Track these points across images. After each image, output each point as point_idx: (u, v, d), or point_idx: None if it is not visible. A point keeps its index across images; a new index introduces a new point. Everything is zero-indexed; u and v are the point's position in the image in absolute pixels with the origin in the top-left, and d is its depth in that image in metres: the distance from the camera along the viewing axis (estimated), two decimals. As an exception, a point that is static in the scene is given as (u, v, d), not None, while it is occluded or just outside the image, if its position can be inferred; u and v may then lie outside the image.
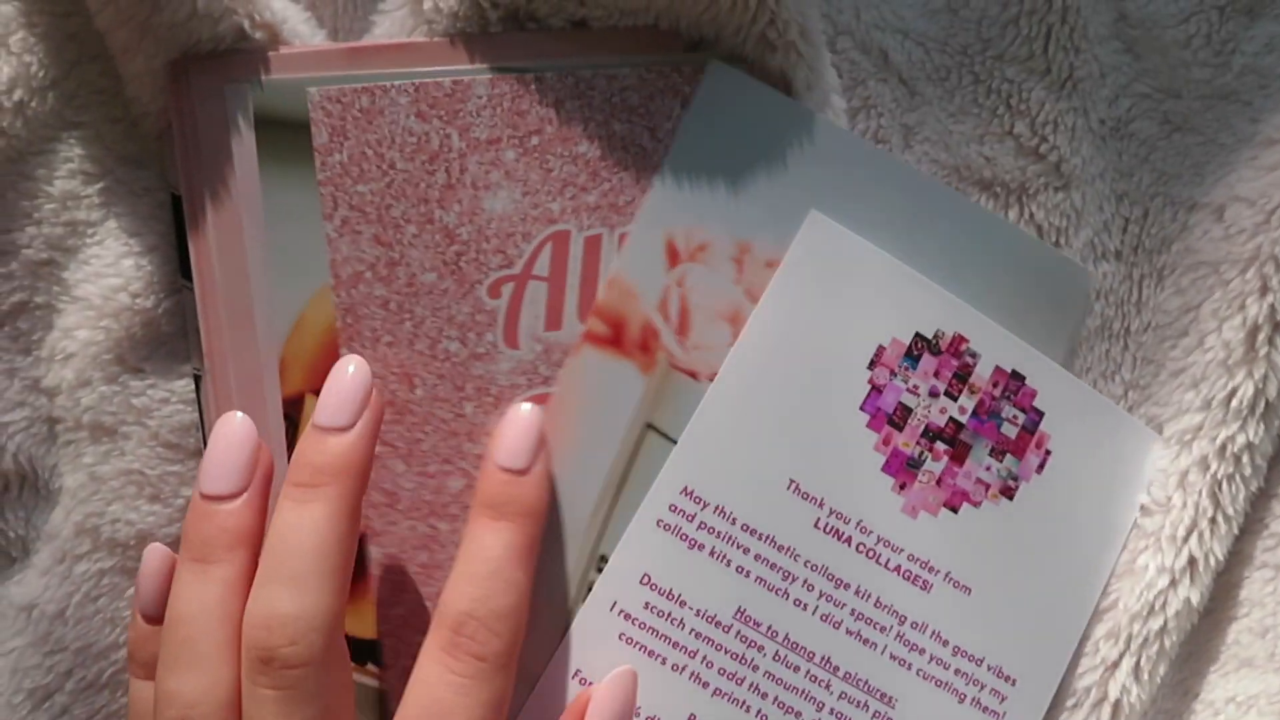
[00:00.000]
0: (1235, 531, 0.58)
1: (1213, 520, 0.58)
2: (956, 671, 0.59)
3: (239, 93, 0.53)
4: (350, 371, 0.50)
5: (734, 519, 0.55)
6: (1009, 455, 0.59)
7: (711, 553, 0.55)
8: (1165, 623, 0.58)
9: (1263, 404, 0.59)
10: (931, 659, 0.58)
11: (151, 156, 0.55)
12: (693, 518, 0.55)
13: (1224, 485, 0.59)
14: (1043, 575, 0.60)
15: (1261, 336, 0.58)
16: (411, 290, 0.53)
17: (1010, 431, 0.59)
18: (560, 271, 0.55)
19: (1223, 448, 0.58)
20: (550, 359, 0.55)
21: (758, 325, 0.55)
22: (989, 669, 0.59)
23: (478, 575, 0.49)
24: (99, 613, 0.56)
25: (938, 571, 0.58)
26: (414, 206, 0.53)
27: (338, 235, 0.53)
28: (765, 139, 0.56)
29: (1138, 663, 0.57)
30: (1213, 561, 0.58)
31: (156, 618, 0.49)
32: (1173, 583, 0.58)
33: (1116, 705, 0.58)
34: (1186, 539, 0.59)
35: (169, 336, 0.56)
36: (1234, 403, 0.58)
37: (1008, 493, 0.59)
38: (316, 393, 0.51)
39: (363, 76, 0.53)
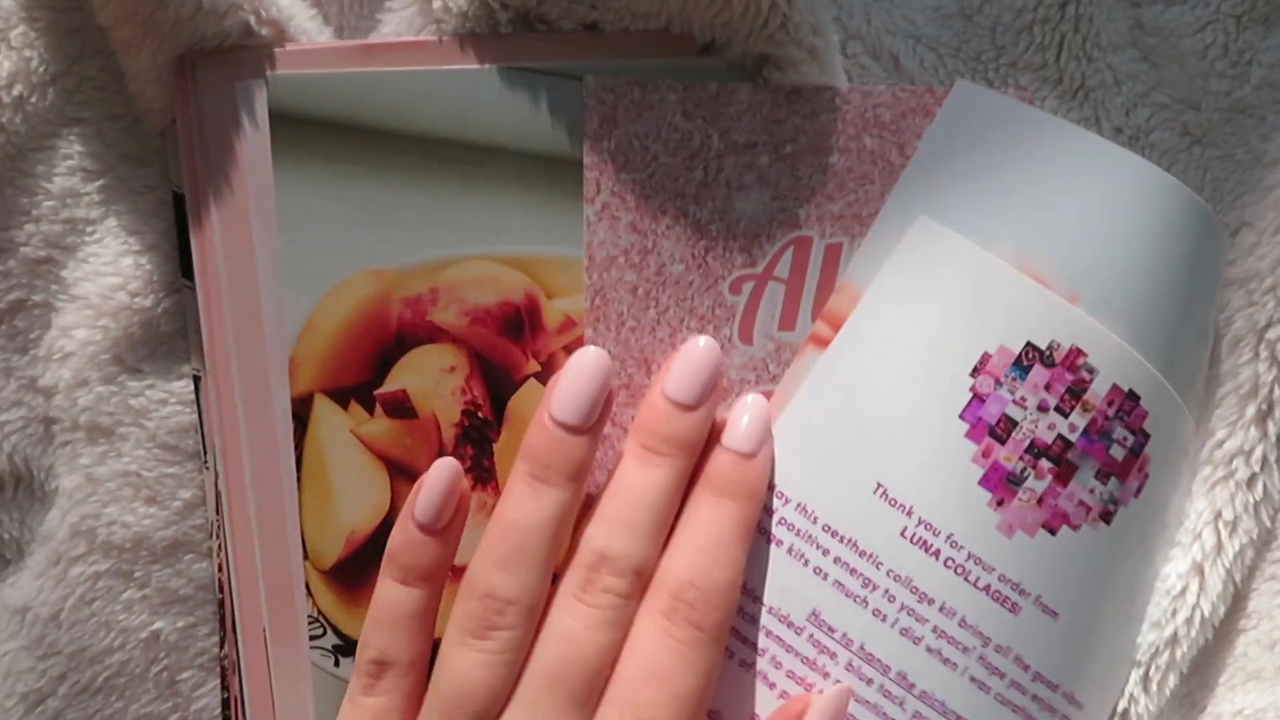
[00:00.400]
0: (1243, 539, 0.57)
1: (1214, 524, 0.57)
2: (1034, 698, 0.55)
3: (248, 89, 0.53)
4: (700, 346, 0.54)
5: (815, 518, 0.53)
6: (1113, 478, 0.55)
7: (789, 550, 0.53)
8: (1175, 632, 0.57)
9: (1250, 411, 0.58)
10: (1011, 684, 0.54)
11: (153, 154, 0.55)
12: (772, 512, 0.53)
13: (1218, 489, 0.58)
14: (1129, 602, 0.57)
15: (1243, 346, 0.58)
16: (660, 279, 0.55)
17: (1118, 454, 0.55)
18: (800, 275, 0.56)
19: (1210, 454, 0.57)
20: (781, 358, 0.56)
21: (857, 324, 0.53)
22: (1063, 695, 0.55)
23: (702, 546, 0.50)
24: (94, 616, 0.55)
25: (1028, 595, 0.54)
26: (671, 199, 0.55)
27: (596, 219, 0.54)
28: (1009, 151, 0.55)
29: (1146, 673, 0.56)
30: (1220, 568, 0.57)
31: (433, 528, 0.51)
32: (1183, 590, 0.57)
33: (1124, 716, 0.56)
34: (1190, 546, 0.58)
35: (168, 336, 0.56)
36: (1219, 410, 0.58)
37: (1107, 517, 0.55)
38: (326, 392, 0.54)
39: (371, 75, 0.54)
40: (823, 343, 0.53)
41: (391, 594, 0.50)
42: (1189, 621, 0.56)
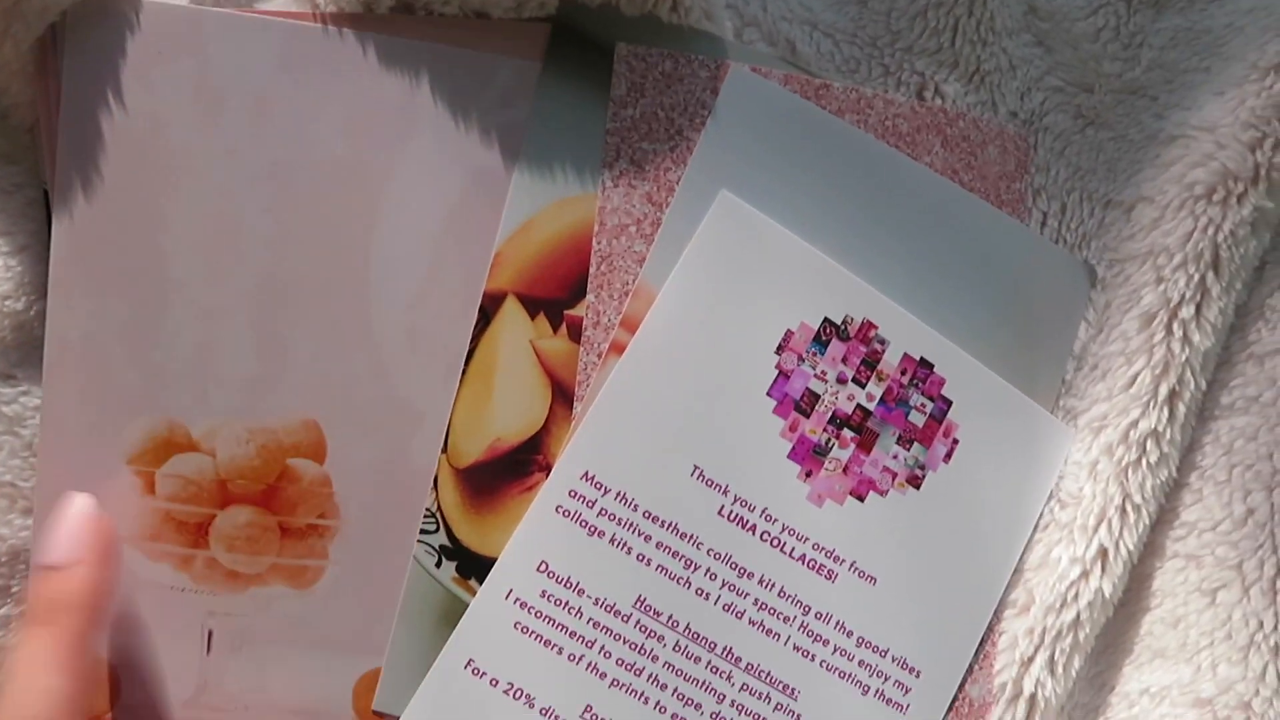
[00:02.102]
0: (1146, 521, 0.58)
1: (1121, 509, 0.58)
2: (860, 663, 0.57)
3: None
4: (73, 504, 0.51)
5: (635, 505, 0.54)
6: (916, 444, 0.58)
7: (612, 540, 0.54)
8: (1078, 614, 0.57)
9: (1163, 391, 0.58)
10: (835, 650, 0.57)
11: (21, 151, 0.54)
12: (593, 504, 0.54)
13: (1129, 473, 0.58)
14: (949, 566, 0.58)
15: (1157, 324, 0.59)
16: None
17: (918, 420, 0.58)
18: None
19: (1125, 434, 0.58)
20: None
21: (663, 307, 0.55)
22: (893, 660, 0.57)
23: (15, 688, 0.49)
24: (-31, 632, 0.52)
25: (843, 561, 0.57)
26: (688, 175, 0.53)
27: (613, 185, 0.55)
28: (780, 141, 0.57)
29: (1051, 656, 0.57)
30: (1124, 551, 0.58)
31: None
32: (1084, 574, 0.58)
33: (1032, 700, 0.57)
34: (1096, 529, 0.58)
35: (42, 341, 0.53)
36: (1133, 389, 0.58)
37: (915, 482, 0.58)
38: (519, 296, 0.54)
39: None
40: (621, 350, 0.55)
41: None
42: (1091, 605, 0.58)
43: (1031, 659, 0.58)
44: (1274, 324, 0.60)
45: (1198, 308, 0.59)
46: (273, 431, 0.54)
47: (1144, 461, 0.58)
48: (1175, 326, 0.58)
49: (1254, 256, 0.60)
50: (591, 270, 0.54)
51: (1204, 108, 0.60)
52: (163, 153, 0.52)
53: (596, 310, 0.55)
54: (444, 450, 0.54)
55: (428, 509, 0.54)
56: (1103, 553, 0.58)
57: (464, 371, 0.54)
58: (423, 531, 0.54)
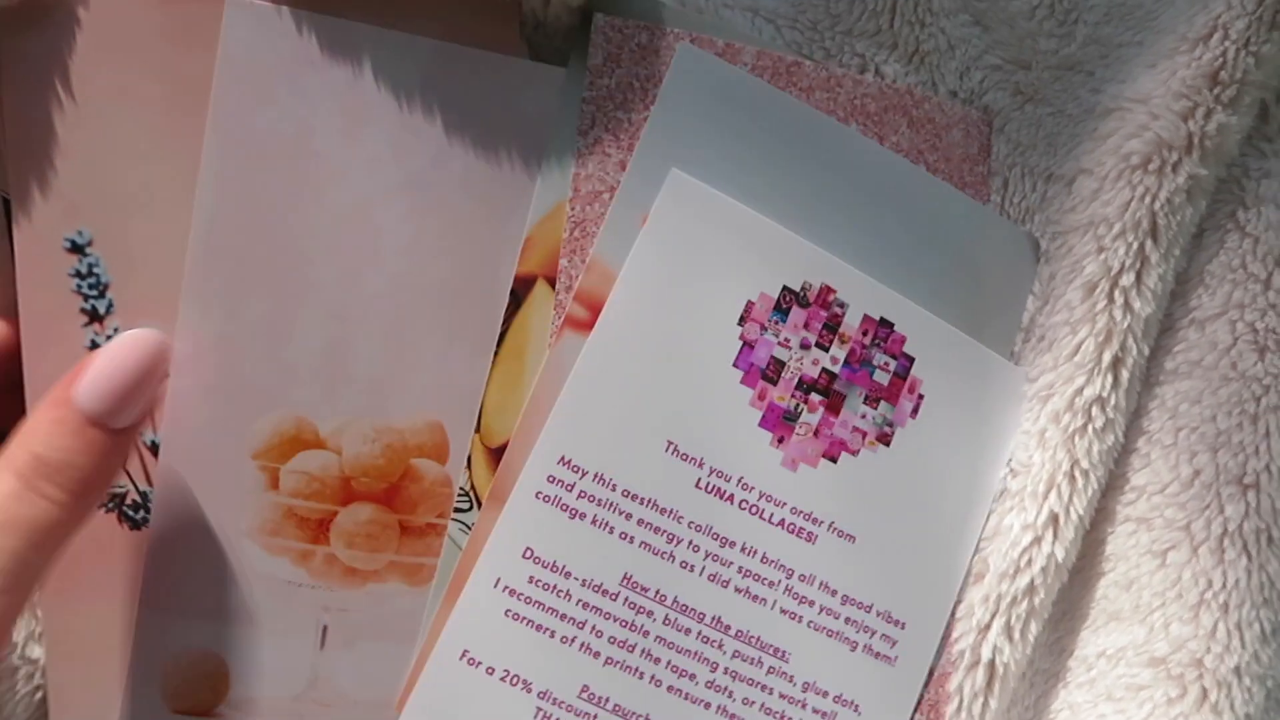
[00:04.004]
0: (1096, 486, 0.60)
1: (1070, 475, 0.59)
2: (847, 620, 0.59)
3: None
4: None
5: (614, 485, 0.56)
6: (883, 402, 0.61)
7: (594, 521, 0.56)
8: (1032, 580, 0.59)
9: (1106, 358, 0.60)
10: (821, 610, 0.59)
11: None
12: (572, 487, 0.55)
13: (1076, 439, 0.60)
14: (924, 516, 0.61)
15: (1099, 293, 0.60)
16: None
17: (882, 379, 0.60)
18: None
19: (1071, 401, 0.59)
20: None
21: (625, 289, 0.56)
22: (878, 614, 0.60)
23: None
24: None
25: (821, 522, 0.59)
26: (662, 145, 0.57)
27: (588, 152, 0.56)
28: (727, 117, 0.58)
29: (1008, 622, 0.59)
30: (1074, 516, 0.59)
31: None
32: (1036, 540, 0.59)
33: (991, 666, 0.59)
34: (1046, 495, 0.60)
35: None
36: (1077, 357, 0.60)
37: (884, 439, 0.60)
38: (549, 280, 0.55)
39: None
40: (580, 324, 0.55)
41: None
42: (1045, 570, 0.60)
43: (988, 626, 0.59)
44: (1213, 289, 0.63)
45: (1138, 275, 0.61)
46: (398, 431, 0.55)
47: (1090, 428, 0.60)
48: (1117, 294, 0.59)
49: (1191, 224, 0.62)
50: (565, 235, 0.56)
51: (1137, 80, 0.63)
52: (309, 159, 0.54)
53: (569, 275, 0.56)
54: (477, 430, 0.55)
55: (461, 488, 0.55)
56: (1054, 518, 0.59)
57: (496, 353, 0.55)
58: (456, 510, 0.55)
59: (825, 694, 0.59)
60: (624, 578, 0.56)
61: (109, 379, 0.47)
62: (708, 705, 0.57)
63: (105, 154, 0.52)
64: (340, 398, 0.54)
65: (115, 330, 0.52)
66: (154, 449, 0.53)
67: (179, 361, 0.52)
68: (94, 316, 0.53)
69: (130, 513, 0.54)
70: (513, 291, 0.55)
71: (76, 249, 0.52)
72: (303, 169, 0.53)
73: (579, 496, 0.55)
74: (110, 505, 0.53)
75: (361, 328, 0.54)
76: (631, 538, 0.56)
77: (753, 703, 0.58)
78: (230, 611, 0.54)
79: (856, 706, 0.60)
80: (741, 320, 0.58)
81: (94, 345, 0.52)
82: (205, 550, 0.53)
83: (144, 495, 0.54)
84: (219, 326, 0.53)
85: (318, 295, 0.54)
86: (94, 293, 0.53)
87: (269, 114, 0.53)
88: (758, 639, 0.58)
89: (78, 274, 0.52)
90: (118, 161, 0.52)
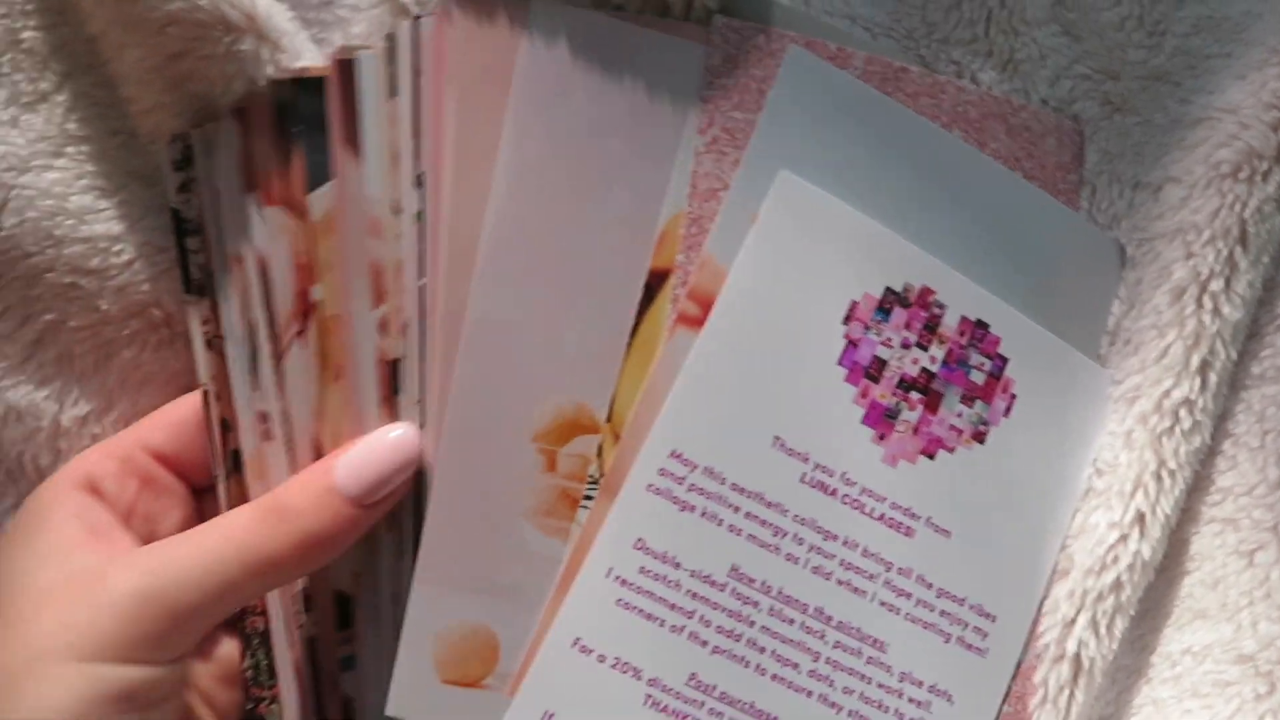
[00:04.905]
0: (1182, 486, 0.61)
1: (1157, 475, 0.60)
2: (941, 613, 0.61)
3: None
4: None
5: (723, 479, 0.57)
6: (979, 401, 0.62)
7: (703, 514, 0.57)
8: (1118, 577, 0.59)
9: (1194, 361, 0.61)
10: (918, 602, 0.61)
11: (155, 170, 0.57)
12: (682, 480, 0.56)
13: (1164, 440, 0.61)
14: (1016, 513, 0.62)
15: (1187, 297, 0.61)
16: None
17: (978, 378, 0.62)
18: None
19: (1159, 403, 0.60)
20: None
21: (735, 288, 0.57)
22: (970, 608, 0.61)
23: None
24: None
25: (919, 517, 0.61)
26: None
27: (705, 150, 0.57)
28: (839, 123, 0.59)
29: (1094, 617, 0.59)
30: (1160, 515, 0.60)
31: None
32: (1123, 537, 0.60)
33: (1076, 660, 0.59)
34: (1133, 494, 0.60)
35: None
36: (1165, 360, 0.61)
37: (979, 437, 0.62)
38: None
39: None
40: (692, 321, 0.56)
41: None
42: (1131, 567, 0.61)
43: (1074, 621, 0.60)
44: (1301, 296, 0.66)
45: (1227, 281, 0.62)
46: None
47: (1177, 429, 0.61)
48: (1205, 300, 0.60)
49: (1279, 232, 0.64)
50: (682, 232, 0.56)
51: (1226, 91, 0.64)
52: (596, 155, 0.55)
53: (685, 271, 0.57)
54: (608, 420, 0.56)
55: (590, 475, 0.56)
56: (1140, 517, 0.60)
57: (629, 344, 0.56)
58: (586, 497, 0.56)
59: (920, 684, 0.61)
60: (731, 569, 0.57)
61: (367, 467, 0.51)
62: (809, 694, 0.59)
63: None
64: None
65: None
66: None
67: (468, 340, 0.54)
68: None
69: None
70: (646, 285, 0.56)
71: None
72: (590, 163, 0.55)
73: (689, 489, 0.56)
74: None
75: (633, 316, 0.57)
76: (739, 530, 0.57)
77: (852, 691, 0.60)
78: (503, 587, 0.55)
79: (949, 696, 0.61)
80: (846, 319, 0.59)
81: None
82: (482, 526, 0.55)
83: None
84: (508, 312, 0.55)
85: (597, 284, 0.56)
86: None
87: (564, 109, 0.55)
88: (857, 630, 0.60)
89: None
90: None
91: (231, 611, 0.50)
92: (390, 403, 0.55)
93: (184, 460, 0.55)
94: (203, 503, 0.56)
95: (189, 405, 0.56)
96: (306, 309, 0.55)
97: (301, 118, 0.54)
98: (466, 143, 0.55)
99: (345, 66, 0.54)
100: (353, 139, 0.54)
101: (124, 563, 0.47)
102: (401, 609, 0.54)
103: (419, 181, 0.54)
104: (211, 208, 0.56)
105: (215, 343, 0.56)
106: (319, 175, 0.55)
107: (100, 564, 0.47)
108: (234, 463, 0.56)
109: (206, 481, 0.56)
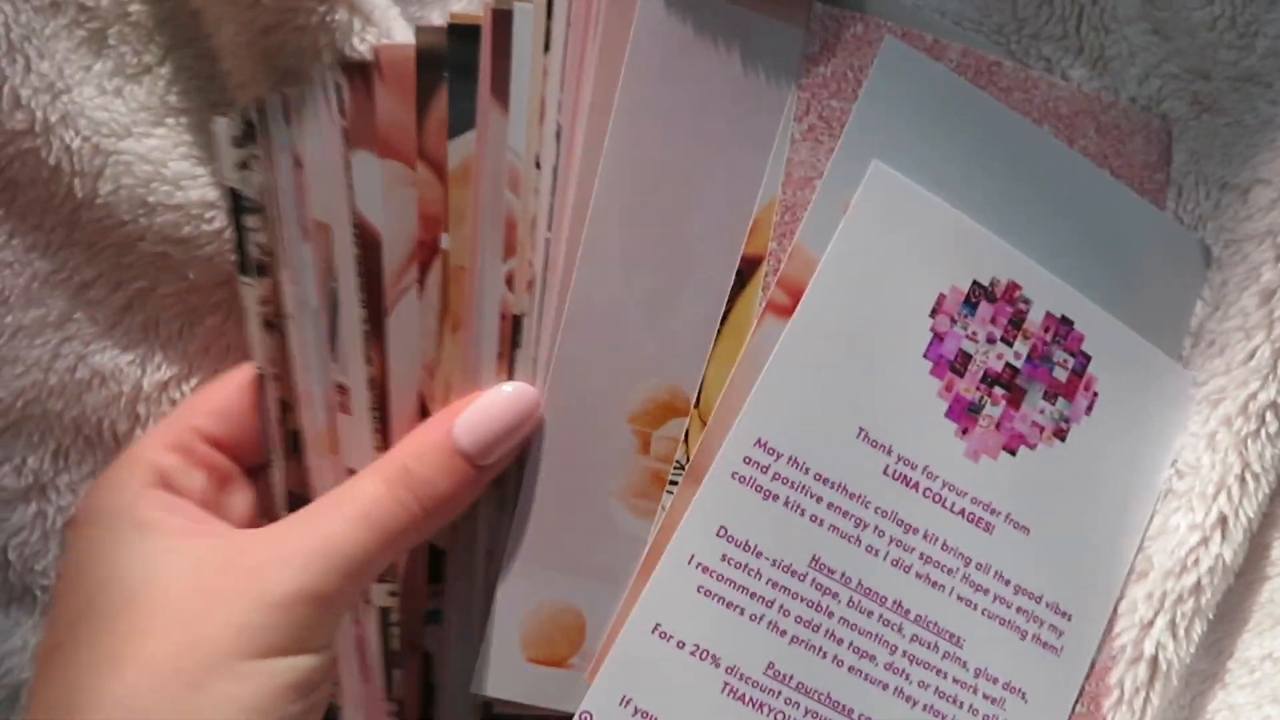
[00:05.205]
0: (1266, 490, 0.60)
1: (1241, 478, 0.60)
2: (1018, 610, 0.61)
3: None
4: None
5: (807, 469, 0.57)
6: (1061, 398, 0.62)
7: (786, 503, 0.57)
8: (1199, 580, 0.59)
9: None
10: (995, 598, 0.61)
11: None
12: (766, 469, 0.56)
13: (1249, 443, 0.60)
14: (1094, 512, 0.62)
15: (1276, 300, 0.60)
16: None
17: (1061, 375, 0.62)
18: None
19: (1245, 406, 0.60)
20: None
21: (824, 278, 0.57)
22: (1047, 605, 0.61)
23: None
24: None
25: (999, 513, 0.61)
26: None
27: (801, 138, 0.57)
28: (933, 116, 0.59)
29: (1172, 619, 0.59)
30: (1243, 519, 0.60)
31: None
32: (1204, 540, 0.60)
33: (1153, 662, 0.59)
34: (1216, 496, 0.60)
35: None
36: (1252, 363, 0.60)
37: (1060, 435, 0.62)
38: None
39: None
40: (781, 310, 0.57)
41: None
42: (1212, 570, 0.60)
43: (1152, 622, 0.60)
44: (1390, 305, 0.66)
45: (1318, 284, 0.64)
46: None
47: (1263, 432, 0.61)
48: (1293, 302, 0.62)
49: None
50: (775, 219, 0.57)
51: None
52: (697, 138, 0.56)
53: (776, 259, 0.57)
54: (696, 405, 0.56)
55: (676, 460, 0.56)
56: (1222, 520, 0.60)
57: (719, 331, 0.56)
58: (671, 483, 0.56)
59: (995, 680, 0.61)
60: (812, 559, 0.57)
61: (486, 425, 0.52)
62: (885, 686, 0.59)
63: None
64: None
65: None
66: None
67: (570, 322, 0.55)
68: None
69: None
70: (739, 271, 0.56)
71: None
72: (692, 145, 0.56)
73: (773, 479, 0.56)
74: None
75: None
76: (821, 521, 0.57)
77: (928, 686, 0.60)
78: (593, 568, 0.56)
79: (1023, 694, 0.61)
80: (933, 312, 0.59)
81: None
82: (574, 506, 0.55)
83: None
84: (611, 292, 0.55)
85: (699, 270, 0.56)
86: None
87: (671, 92, 0.55)
88: (935, 624, 0.60)
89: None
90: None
91: (368, 584, 0.53)
92: (508, 358, 0.55)
93: (230, 443, 0.55)
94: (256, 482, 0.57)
95: (231, 389, 0.55)
96: (427, 259, 0.54)
97: (449, 65, 0.54)
98: (600, 104, 0.55)
99: (502, 17, 0.54)
100: (502, 90, 0.54)
101: (278, 559, 0.47)
102: (496, 565, 0.55)
103: (557, 135, 0.55)
104: (288, 177, 0.55)
105: (276, 323, 0.55)
106: (460, 124, 0.54)
107: (232, 557, 0.48)
108: (292, 443, 0.56)
109: (255, 462, 0.56)
